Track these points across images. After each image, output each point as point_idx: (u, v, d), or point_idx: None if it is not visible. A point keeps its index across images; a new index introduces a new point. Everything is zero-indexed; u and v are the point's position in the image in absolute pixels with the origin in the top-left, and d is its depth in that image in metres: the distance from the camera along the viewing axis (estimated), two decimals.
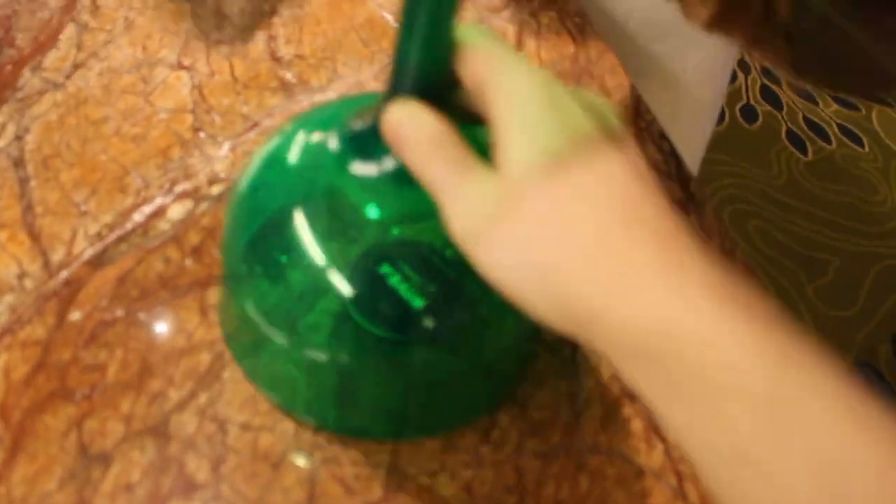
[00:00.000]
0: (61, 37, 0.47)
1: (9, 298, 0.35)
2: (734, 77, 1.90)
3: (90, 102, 0.43)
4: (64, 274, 0.36)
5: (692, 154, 0.68)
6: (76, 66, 0.45)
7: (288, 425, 0.33)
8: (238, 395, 0.33)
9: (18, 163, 0.40)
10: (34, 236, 0.37)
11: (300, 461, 0.32)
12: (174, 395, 0.33)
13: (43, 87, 0.44)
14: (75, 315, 0.35)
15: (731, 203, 1.64)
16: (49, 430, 0.32)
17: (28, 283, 0.36)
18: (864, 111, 1.90)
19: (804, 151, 1.78)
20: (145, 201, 0.39)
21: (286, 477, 0.32)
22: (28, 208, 0.38)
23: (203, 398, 0.33)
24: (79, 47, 0.46)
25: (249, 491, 0.31)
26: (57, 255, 0.37)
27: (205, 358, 0.34)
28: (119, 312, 0.35)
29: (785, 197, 1.68)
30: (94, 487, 0.31)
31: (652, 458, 0.34)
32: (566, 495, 0.32)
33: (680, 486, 0.33)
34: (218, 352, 0.34)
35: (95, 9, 0.48)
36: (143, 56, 0.46)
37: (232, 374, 0.34)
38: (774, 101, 1.88)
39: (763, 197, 1.66)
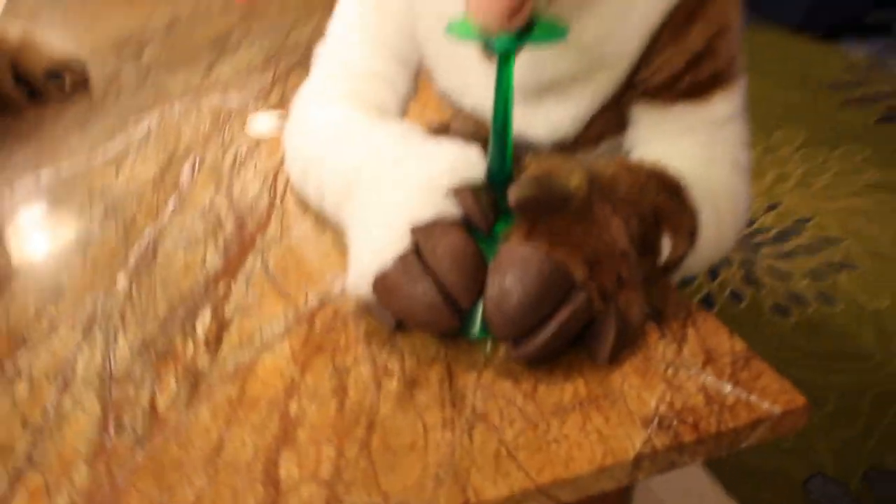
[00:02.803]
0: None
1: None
2: (715, 274, 2.28)
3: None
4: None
5: None
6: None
7: None
8: None
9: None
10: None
11: None
12: None
13: None
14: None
15: None
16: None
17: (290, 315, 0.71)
18: (831, 280, 2.26)
19: (788, 316, 2.12)
20: None
21: None
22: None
23: None
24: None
25: None
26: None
27: None
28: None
29: (779, 352, 1.99)
30: None
31: None
32: None
33: None
34: None
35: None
36: None
37: None
38: (756, 284, 2.25)
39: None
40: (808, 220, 2.60)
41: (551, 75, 0.81)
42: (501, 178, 0.67)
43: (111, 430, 0.59)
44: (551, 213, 0.63)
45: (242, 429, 0.59)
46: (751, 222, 2.57)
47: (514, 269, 0.60)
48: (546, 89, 0.82)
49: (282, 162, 0.98)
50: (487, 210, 0.65)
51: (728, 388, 0.63)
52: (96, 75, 1.28)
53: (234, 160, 1.00)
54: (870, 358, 1.98)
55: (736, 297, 2.19)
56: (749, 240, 2.47)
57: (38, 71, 1.20)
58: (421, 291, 0.62)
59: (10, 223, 0.88)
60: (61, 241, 0.84)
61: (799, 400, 0.62)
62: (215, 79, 1.27)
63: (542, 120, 0.85)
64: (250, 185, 0.94)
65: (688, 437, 0.58)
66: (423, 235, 0.63)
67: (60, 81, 1.21)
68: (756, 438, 0.61)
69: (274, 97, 1.20)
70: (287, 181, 0.94)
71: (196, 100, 1.18)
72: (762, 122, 3.23)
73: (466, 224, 0.65)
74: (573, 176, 0.65)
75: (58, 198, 0.92)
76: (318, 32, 1.47)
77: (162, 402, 0.62)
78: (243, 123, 1.10)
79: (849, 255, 2.41)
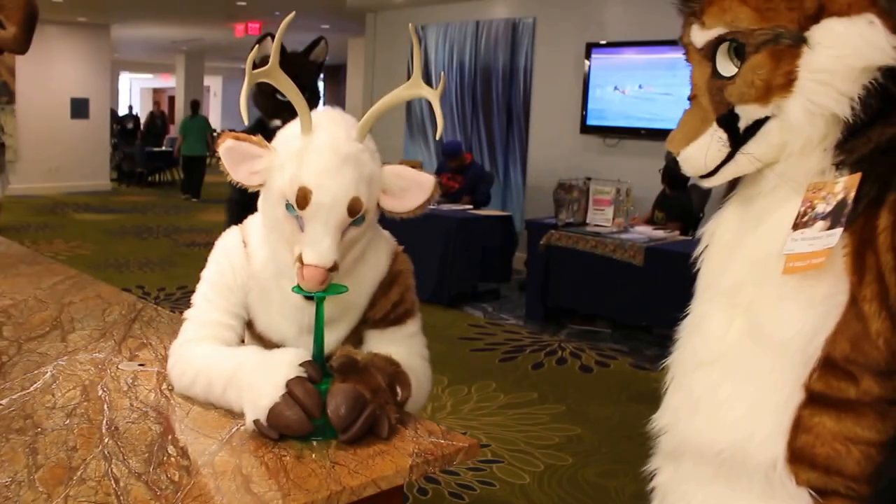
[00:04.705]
0: None
1: None
2: None
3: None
4: None
5: None
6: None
7: None
8: None
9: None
10: None
11: None
12: None
13: None
14: None
15: None
16: None
17: None
18: (488, 470, 3.13)
19: (462, 499, 2.91)
20: None
21: None
22: None
23: None
24: None
25: None
26: None
27: None
28: None
29: None
30: None
31: None
32: None
33: None
34: None
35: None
36: None
37: None
38: (434, 481, 3.04)
39: None
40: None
41: (328, 315, 1.58)
42: (320, 360, 1.41)
43: (159, 494, 1.18)
44: (351, 371, 1.38)
45: (225, 479, 1.22)
46: None
47: (340, 396, 1.33)
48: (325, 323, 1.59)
49: (160, 381, 1.61)
50: (318, 373, 1.38)
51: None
52: None
53: (129, 385, 1.60)
54: None
55: (422, 491, 2.96)
56: None
57: None
58: (294, 412, 1.32)
59: (13, 426, 1.39)
60: (51, 431, 1.38)
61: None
62: (74, 345, 1.85)
63: None
64: (149, 395, 1.55)
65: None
66: (292, 385, 1.34)
67: None
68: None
69: (125, 352, 1.81)
70: (172, 390, 1.56)
71: (72, 356, 1.76)
72: None
73: (310, 379, 1.37)
74: (359, 355, 1.41)
75: (27, 412, 1.45)
76: (123, 316, 2.11)
77: (177, 477, 1.22)
78: (116, 366, 1.71)
79: (496, 454, 3.33)
